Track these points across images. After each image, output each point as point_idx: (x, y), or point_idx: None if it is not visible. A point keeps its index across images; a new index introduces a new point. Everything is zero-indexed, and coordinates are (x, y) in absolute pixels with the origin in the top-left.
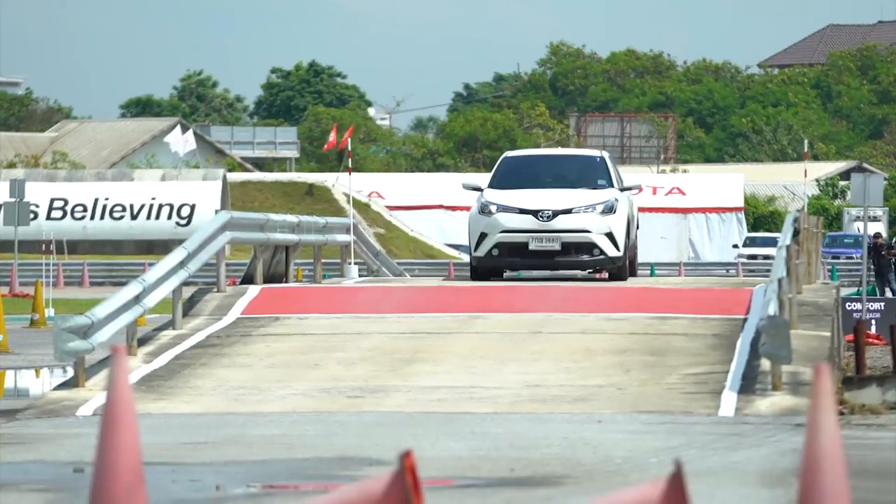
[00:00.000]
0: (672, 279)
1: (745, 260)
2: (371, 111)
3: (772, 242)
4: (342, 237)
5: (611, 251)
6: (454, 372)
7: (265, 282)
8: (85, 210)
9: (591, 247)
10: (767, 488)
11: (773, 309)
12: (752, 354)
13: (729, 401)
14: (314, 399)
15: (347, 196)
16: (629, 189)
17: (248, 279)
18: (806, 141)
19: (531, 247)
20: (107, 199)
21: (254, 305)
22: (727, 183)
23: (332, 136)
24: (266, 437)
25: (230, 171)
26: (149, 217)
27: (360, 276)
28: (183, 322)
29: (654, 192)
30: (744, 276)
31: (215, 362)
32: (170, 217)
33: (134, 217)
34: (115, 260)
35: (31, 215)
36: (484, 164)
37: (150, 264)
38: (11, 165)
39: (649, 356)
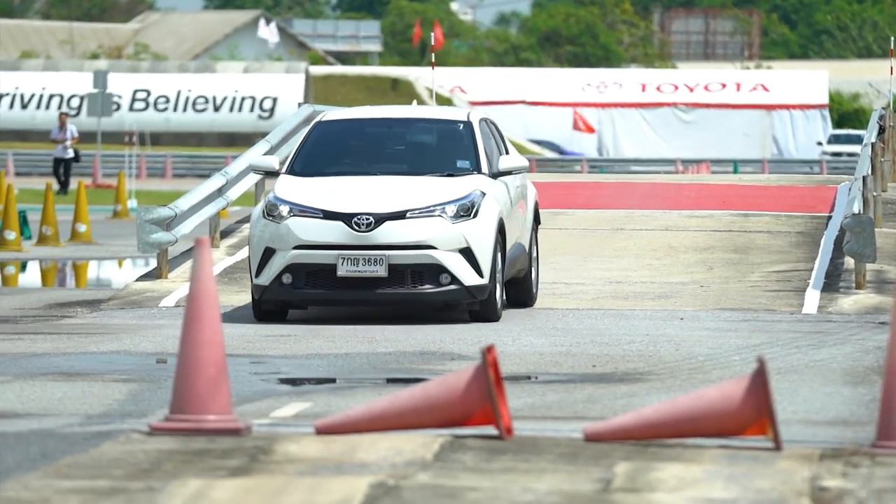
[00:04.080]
0: (755, 176)
1: (829, 157)
2: (454, 6)
3: (856, 140)
4: None
5: (468, 278)
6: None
7: None
8: (167, 102)
9: (436, 271)
10: (850, 386)
11: (857, 207)
12: (835, 252)
13: (812, 299)
14: None
15: (430, 91)
16: (507, 173)
17: None
18: (893, 38)
19: (341, 272)
20: (189, 90)
21: None
22: (811, 80)
23: (422, 31)
24: (348, 330)
25: (313, 64)
26: (231, 110)
27: None
28: None
29: (738, 89)
30: (828, 173)
31: None
32: (252, 110)
33: (216, 109)
34: (198, 152)
35: (114, 106)
36: (567, 60)
37: (233, 157)
38: (94, 56)
39: (732, 253)
